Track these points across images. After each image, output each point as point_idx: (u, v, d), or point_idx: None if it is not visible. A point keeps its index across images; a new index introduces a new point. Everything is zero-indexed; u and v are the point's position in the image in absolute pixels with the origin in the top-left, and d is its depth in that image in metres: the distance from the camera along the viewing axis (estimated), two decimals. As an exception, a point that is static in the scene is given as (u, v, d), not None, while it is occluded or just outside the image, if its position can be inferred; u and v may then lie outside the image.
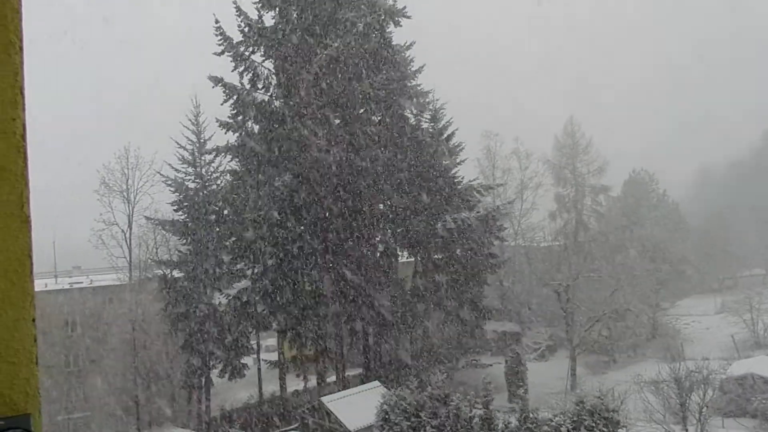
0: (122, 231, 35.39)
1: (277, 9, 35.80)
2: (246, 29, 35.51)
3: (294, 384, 39.37)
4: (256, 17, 35.52)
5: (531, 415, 20.13)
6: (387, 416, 22.48)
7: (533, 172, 60.90)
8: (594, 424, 18.30)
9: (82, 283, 44.00)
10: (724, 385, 31.52)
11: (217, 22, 35.14)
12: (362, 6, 36.69)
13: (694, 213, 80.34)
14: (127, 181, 35.66)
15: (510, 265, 51.96)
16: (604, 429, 18.28)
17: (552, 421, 19.41)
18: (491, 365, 40.92)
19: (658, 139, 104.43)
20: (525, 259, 56.86)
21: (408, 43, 39.41)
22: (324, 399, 28.67)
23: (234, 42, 35.49)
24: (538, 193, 61.01)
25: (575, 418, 18.80)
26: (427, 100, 42.95)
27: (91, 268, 48.48)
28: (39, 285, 43.77)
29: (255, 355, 40.70)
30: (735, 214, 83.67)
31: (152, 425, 28.10)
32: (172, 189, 38.54)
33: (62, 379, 39.10)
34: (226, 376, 38.44)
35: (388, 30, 37.96)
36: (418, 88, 41.22)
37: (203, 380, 37.55)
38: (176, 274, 38.10)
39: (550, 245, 60.49)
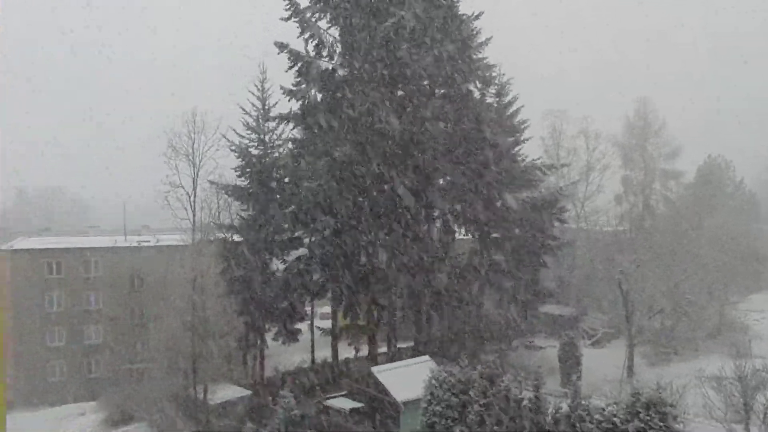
0: (187, 193, 36.33)
1: (346, -25, 35.32)
2: (313, -5, 35.29)
3: (345, 352, 39.93)
4: (324, -17, 35.19)
5: (583, 402, 19.58)
6: (435, 391, 22.41)
7: (601, 153, 58.89)
8: (649, 417, 17.60)
9: (149, 241, 45.84)
10: (794, 387, 29.81)
11: (285, -15, 35.05)
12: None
13: (769, 204, 75.88)
14: (193, 144, 36.46)
15: (570, 248, 50.65)
16: (660, 422, 17.56)
17: (605, 410, 18.81)
18: (545, 348, 40.29)
19: (734, 127, 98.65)
20: (586, 242, 55.28)
21: (476, 13, 38.24)
22: (374, 369, 28.88)
23: (301, 7, 35.36)
24: (604, 175, 59.03)
25: (629, 409, 18.15)
26: (492, 74, 41.80)
27: (159, 227, 50.40)
28: (109, 241, 45.84)
29: (309, 322, 41.46)
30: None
31: (209, 381, 29.07)
32: (236, 154, 39.23)
33: (126, 331, 41.15)
34: (280, 340, 39.37)
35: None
36: (484, 61, 40.09)
37: (258, 342, 38.62)
38: (236, 238, 39.01)
39: (614, 230, 58.51)
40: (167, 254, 38.52)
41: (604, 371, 37.07)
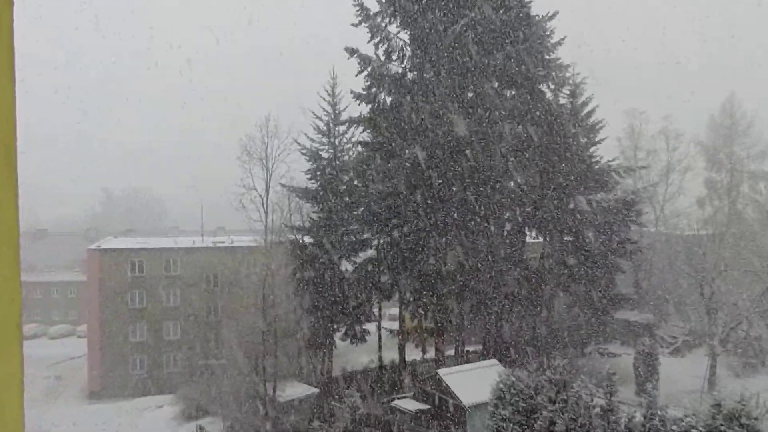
0: (260, 196, 37.37)
1: (415, -21, 35.45)
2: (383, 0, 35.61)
3: (413, 354, 39.96)
4: (394, -13, 35.45)
5: (659, 412, 18.76)
6: (502, 395, 22.07)
7: (682, 154, 56.31)
8: (732, 431, 16.66)
9: (224, 242, 47.49)
10: None
11: (355, -9, 35.57)
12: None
13: None
14: (266, 149, 37.47)
15: (648, 253, 48.61)
16: (743, 436, 16.60)
17: (683, 420, 17.96)
18: (620, 355, 38.80)
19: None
20: (666, 246, 52.93)
21: (549, 14, 37.45)
22: (441, 371, 28.76)
23: (371, 13, 35.73)
24: (686, 177, 56.40)
25: (709, 421, 17.24)
26: (566, 74, 40.78)
27: (233, 229, 52.18)
28: (186, 242, 47.84)
29: (377, 323, 41.76)
30: None
31: (278, 379, 29.80)
32: (306, 158, 40.12)
33: (202, 329, 42.73)
34: (349, 339, 39.85)
35: (527, 0, 36.40)
36: (558, 61, 39.16)
37: (327, 341, 39.24)
38: (307, 239, 39.82)
39: (696, 234, 55.69)
40: (241, 255, 39.83)
41: (684, 381, 35.42)
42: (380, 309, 42.48)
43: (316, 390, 33.38)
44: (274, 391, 30.16)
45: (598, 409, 19.75)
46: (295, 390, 31.80)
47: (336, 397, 32.49)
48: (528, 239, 42.04)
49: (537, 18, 37.01)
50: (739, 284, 39.95)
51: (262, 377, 29.80)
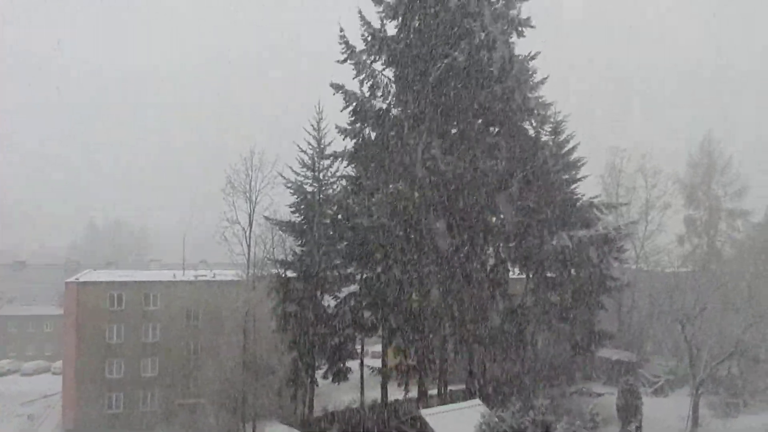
0: (243, 229, 37.14)
1: (400, 18, 36.07)
2: (369, 38, 36.13)
3: (395, 392, 39.36)
4: (379, 26, 36.03)
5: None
6: (485, 437, 21.75)
7: (661, 191, 57.06)
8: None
9: (206, 276, 46.92)
10: None
11: (341, 30, 36.11)
12: (485, 15, 36.10)
13: None
14: (251, 182, 37.43)
15: (630, 290, 48.81)
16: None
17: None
18: (602, 395, 38.62)
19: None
20: (647, 284, 53.20)
21: (531, 54, 38.22)
22: (423, 412, 28.37)
23: (357, 50, 36.21)
24: (665, 214, 57.05)
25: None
26: (548, 112, 41.39)
27: (216, 262, 51.61)
28: (168, 276, 47.18)
29: (359, 360, 41.21)
30: None
31: (257, 419, 29.16)
32: (291, 191, 40.07)
33: (181, 365, 41.92)
34: (330, 378, 39.23)
35: (511, 40, 37.10)
36: (540, 100, 39.80)
37: (308, 380, 38.58)
38: (290, 273, 39.49)
39: (676, 271, 56.09)
40: (223, 289, 39.34)
41: (667, 422, 35.30)
42: (363, 346, 41.99)
43: (296, 431, 32.70)
44: (253, 432, 29.54)
45: (581, 452, 19.53)
46: (275, 430, 31.14)
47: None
48: (511, 275, 42.04)
49: (520, 57, 37.72)
50: (719, 322, 40.12)
51: (241, 417, 29.17)
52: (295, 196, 40.24)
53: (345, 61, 36.34)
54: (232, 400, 28.99)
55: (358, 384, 40.43)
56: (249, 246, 37.42)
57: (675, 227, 58.01)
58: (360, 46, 36.24)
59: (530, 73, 38.55)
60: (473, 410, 26.52)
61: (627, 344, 50.06)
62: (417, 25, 35.54)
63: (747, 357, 40.84)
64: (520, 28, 36.68)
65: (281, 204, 40.09)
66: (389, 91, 36.84)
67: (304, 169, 40.61)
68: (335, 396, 40.91)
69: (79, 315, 42.60)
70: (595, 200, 43.15)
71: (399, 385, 39.21)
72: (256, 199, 37.76)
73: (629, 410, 34.18)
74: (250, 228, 37.82)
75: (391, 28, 36.45)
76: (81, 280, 45.25)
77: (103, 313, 43.01)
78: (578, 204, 42.20)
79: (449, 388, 39.06)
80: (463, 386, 38.95)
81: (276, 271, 38.88)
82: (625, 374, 39.60)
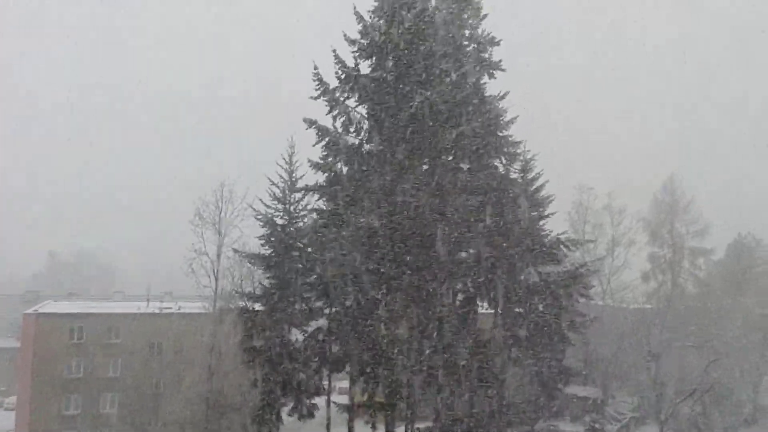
0: (211, 261, 36.72)
1: (374, 58, 36.70)
2: (342, 76, 36.59)
3: (363, 430, 38.75)
4: (353, 65, 36.55)
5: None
6: (453, 477, 21.50)
7: (626, 229, 58.40)
8: None
9: (171, 308, 46.04)
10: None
11: (315, 68, 36.53)
12: (458, 57, 37.04)
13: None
14: (220, 213, 37.20)
15: (596, 326, 49.44)
16: None
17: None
18: (570, 432, 38.63)
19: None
20: (613, 320, 53.94)
21: (501, 94, 39.17)
22: (391, 450, 27.91)
23: (330, 87, 36.61)
24: (630, 251, 58.29)
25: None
26: (518, 150, 42.23)
27: (182, 294, 50.70)
28: (131, 307, 46.17)
29: (326, 396, 40.57)
30: None
31: (220, 458, 28.40)
32: (261, 224, 39.90)
33: (143, 400, 40.62)
34: (296, 415, 38.48)
35: (482, 81, 38.02)
36: (510, 138, 40.65)
37: (273, 417, 37.75)
38: (257, 307, 38.99)
39: (641, 308, 57.14)
40: (188, 321, 38.60)
41: (633, 459, 35.35)
42: (330, 382, 41.38)
43: (260, 469, 31.88)
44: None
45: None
46: (238, 469, 30.32)
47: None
48: (480, 310, 42.18)
49: (490, 97, 38.61)
50: (683, 360, 40.82)
51: (205, 455, 28.37)
52: (265, 229, 40.07)
53: (319, 97, 36.68)
54: (196, 438, 28.20)
55: (324, 421, 39.72)
56: (216, 278, 36.97)
57: (640, 264, 59.27)
58: (334, 83, 36.69)
59: (501, 112, 39.40)
60: (441, 449, 26.23)
61: (593, 381, 50.41)
62: (390, 64, 36.15)
63: (710, 394, 41.53)
64: (491, 71, 37.72)
65: (251, 236, 39.92)
66: (362, 127, 37.20)
67: (275, 202, 40.59)
68: (301, 434, 40.11)
69: (37, 348, 41.29)
70: (563, 237, 43.85)
71: (366, 422, 38.64)
72: (225, 231, 37.51)
73: (596, 448, 34.29)
74: (219, 260, 37.45)
75: (365, 67, 37.05)
76: (40, 311, 43.98)
77: (62, 346, 41.77)
78: (546, 240, 42.83)
79: (417, 426, 38.64)
80: (431, 423, 38.60)
81: (243, 304, 38.37)
82: (591, 411, 39.77)
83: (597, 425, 35.03)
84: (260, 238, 40.26)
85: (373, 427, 38.30)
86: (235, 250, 38.66)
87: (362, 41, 36.97)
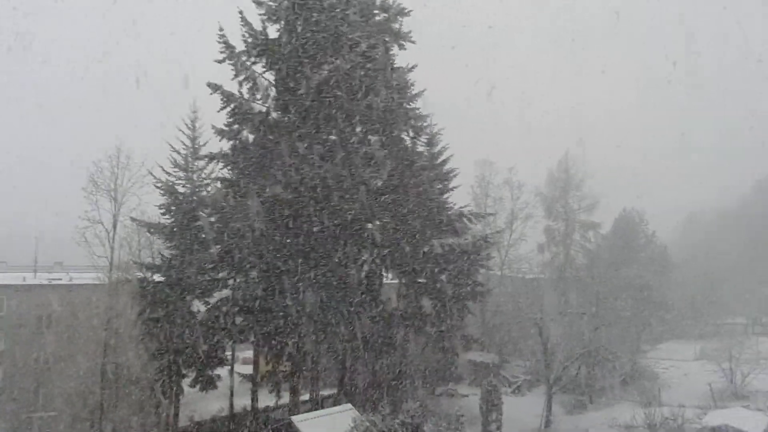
0: (106, 230, 34.81)
1: (282, 22, 35.75)
2: (249, 39, 35.46)
3: (267, 400, 38.77)
4: (261, 29, 35.49)
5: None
6: (356, 442, 22.08)
7: (524, 203, 61.41)
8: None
9: (61, 279, 43.39)
10: (699, 435, 31.29)
11: (221, 30, 35.10)
12: (368, 26, 36.80)
13: (680, 258, 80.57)
14: (116, 180, 35.13)
15: (494, 295, 51.85)
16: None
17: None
18: (468, 396, 40.54)
19: (650, 181, 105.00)
20: (510, 289, 56.77)
21: (410, 66, 39.49)
22: (294, 418, 28.14)
23: (236, 51, 35.38)
24: (527, 224, 61.50)
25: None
26: (424, 123, 42.94)
27: (74, 264, 47.78)
28: (17, 278, 43.10)
29: (229, 367, 40.11)
30: (720, 262, 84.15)
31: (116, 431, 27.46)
32: (161, 192, 38.23)
33: (32, 376, 38.42)
34: (198, 386, 37.79)
35: (392, 52, 38.08)
36: (417, 111, 41.20)
37: (174, 389, 36.90)
38: (157, 278, 37.60)
39: (535, 278, 60.48)
40: (80, 293, 36.52)
41: (524, 420, 37.70)
42: (233, 352, 40.93)
43: (159, 442, 31.20)
44: (112, 446, 27.77)
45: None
46: (136, 443, 29.52)
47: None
48: (385, 281, 42.98)
49: (400, 69, 38.83)
50: (572, 326, 43.65)
51: (99, 430, 27.34)
52: (166, 197, 38.45)
53: (224, 60, 35.36)
54: (89, 412, 27.02)
55: (227, 391, 39.34)
56: (112, 248, 35.14)
57: (536, 237, 62.46)
58: (240, 46, 35.48)
59: (409, 84, 39.78)
60: (345, 415, 26.76)
61: (490, 347, 52.99)
62: (299, 30, 35.39)
63: (595, 357, 44.84)
64: (401, 42, 37.85)
65: (150, 204, 38.04)
66: (269, 95, 36.32)
67: (177, 170, 38.95)
68: (202, 405, 39.53)
69: None
70: (465, 210, 45.37)
71: (270, 391, 38.68)
72: (121, 198, 35.61)
73: (491, 409, 36.22)
74: (114, 229, 35.54)
75: (273, 32, 36.06)
76: None
77: (-62, 321, 38.50)
78: (450, 213, 44.15)
79: (321, 393, 39.16)
80: (335, 391, 39.25)
81: (142, 275, 36.86)
82: (488, 375, 41.88)
83: (493, 388, 36.92)
84: (160, 207, 38.57)
85: (278, 395, 38.43)
86: (133, 219, 36.78)
87: (270, 3, 35.86)
